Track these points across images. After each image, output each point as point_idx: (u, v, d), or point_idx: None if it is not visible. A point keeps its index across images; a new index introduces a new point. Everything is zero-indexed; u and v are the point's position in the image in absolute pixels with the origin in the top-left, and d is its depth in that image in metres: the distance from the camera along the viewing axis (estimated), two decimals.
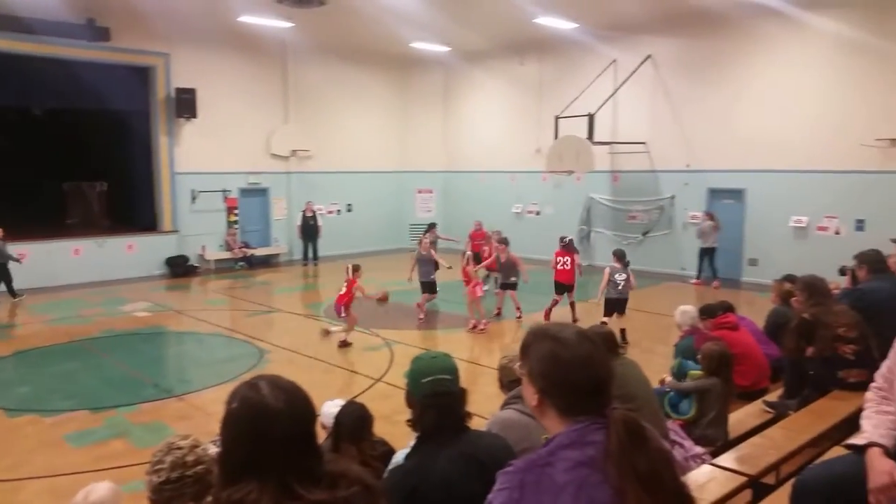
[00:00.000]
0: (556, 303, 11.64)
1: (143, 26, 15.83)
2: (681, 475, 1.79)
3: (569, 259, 11.47)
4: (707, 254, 15.15)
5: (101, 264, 15.90)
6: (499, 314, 12.27)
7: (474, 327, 11.28)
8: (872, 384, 2.55)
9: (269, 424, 1.63)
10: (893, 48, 12.91)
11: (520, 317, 11.87)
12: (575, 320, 10.83)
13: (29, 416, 7.47)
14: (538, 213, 19.43)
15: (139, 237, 17.19)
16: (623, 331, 10.08)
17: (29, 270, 14.79)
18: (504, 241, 12.33)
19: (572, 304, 11.58)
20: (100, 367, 9.54)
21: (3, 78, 15.33)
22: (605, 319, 10.04)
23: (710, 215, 15.17)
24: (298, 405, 1.71)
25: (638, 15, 15.66)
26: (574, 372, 1.78)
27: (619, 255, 10.54)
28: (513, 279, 11.96)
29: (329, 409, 4.21)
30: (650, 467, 1.62)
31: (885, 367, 2.50)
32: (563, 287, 11.52)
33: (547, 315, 11.55)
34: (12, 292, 13.73)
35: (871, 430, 2.40)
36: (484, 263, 12.82)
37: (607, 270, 10.40)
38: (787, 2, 13.73)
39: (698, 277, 15.39)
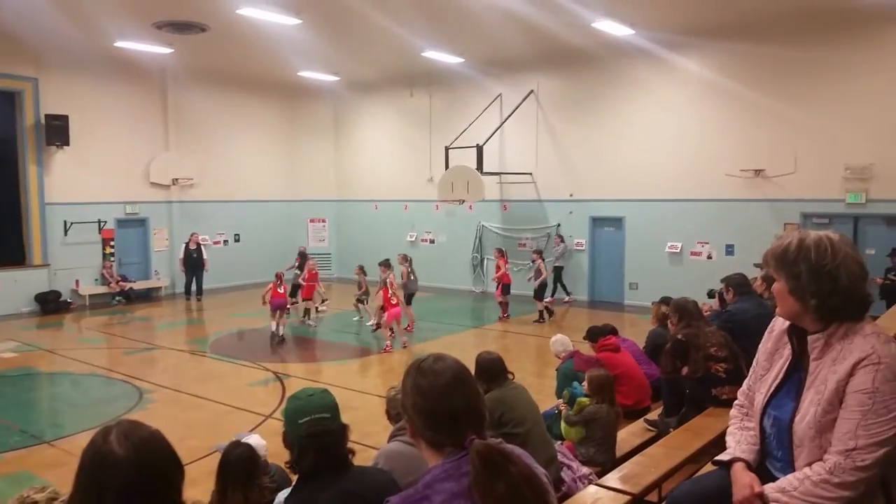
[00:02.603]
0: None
1: (9, 49, 14.88)
2: (552, 497, 1.84)
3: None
4: (558, 273, 16.29)
5: None
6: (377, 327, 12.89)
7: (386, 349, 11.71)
8: (735, 402, 2.71)
9: (109, 473, 1.59)
10: (745, 91, 14.05)
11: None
12: None
13: None
14: (432, 241, 19.60)
15: (4, 272, 15.91)
16: None
17: None
18: (384, 263, 13.07)
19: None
20: None
21: None
22: None
23: (561, 238, 16.32)
24: (148, 454, 1.65)
25: (520, 52, 16.28)
26: (432, 403, 1.84)
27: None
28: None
29: (255, 442, 4.02)
30: (511, 491, 1.67)
31: (745, 385, 2.68)
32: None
33: None
34: None
35: (734, 445, 2.56)
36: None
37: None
38: (656, 44, 14.69)
39: (567, 294, 16.43)
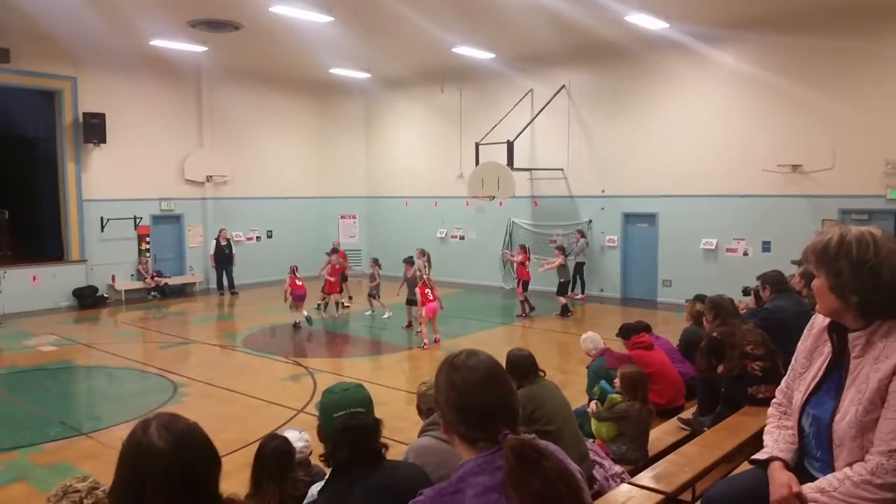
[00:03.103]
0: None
1: (48, 48, 15.21)
2: (586, 494, 1.83)
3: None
4: (579, 268, 16.26)
5: (2, 297, 15.01)
6: (409, 326, 13.11)
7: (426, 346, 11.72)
8: (773, 400, 2.66)
9: (149, 464, 1.61)
10: (784, 84, 13.76)
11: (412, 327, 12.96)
12: None
13: None
14: (462, 238, 19.60)
15: (44, 267, 16.31)
16: None
17: None
18: (408, 261, 13.30)
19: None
20: (1, 406, 8.97)
21: None
22: None
23: (582, 233, 16.21)
24: (187, 446, 1.68)
25: (552, 47, 16.16)
26: (465, 398, 1.85)
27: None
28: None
29: (297, 438, 4.07)
30: (545, 488, 1.67)
31: (784, 382, 2.62)
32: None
33: None
34: None
35: (771, 444, 2.50)
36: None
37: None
38: (691, 37, 14.47)
39: (583, 292, 16.38)
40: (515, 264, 14.91)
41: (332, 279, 14.66)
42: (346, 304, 15.28)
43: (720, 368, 5.24)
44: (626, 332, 6.76)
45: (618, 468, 4.63)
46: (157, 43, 15.29)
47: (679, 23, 13.86)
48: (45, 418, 8.37)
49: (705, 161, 14.97)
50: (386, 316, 14.19)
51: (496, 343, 11.48)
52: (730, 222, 14.78)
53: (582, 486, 1.81)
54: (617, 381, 5.36)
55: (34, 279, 15.84)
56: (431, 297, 11.87)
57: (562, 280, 14.36)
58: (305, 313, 13.53)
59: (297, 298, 13.39)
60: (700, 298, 7.01)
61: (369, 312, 14.69)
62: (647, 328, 6.84)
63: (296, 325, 13.45)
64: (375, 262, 14.86)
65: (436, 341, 11.88)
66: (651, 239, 16.05)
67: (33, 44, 14.95)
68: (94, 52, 15.97)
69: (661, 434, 5.51)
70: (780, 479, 2.33)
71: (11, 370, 10.71)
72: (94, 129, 16.24)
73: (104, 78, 16.62)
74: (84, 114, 16.17)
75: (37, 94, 16.10)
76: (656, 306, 15.38)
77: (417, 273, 12.65)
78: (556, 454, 1.82)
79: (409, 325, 13.08)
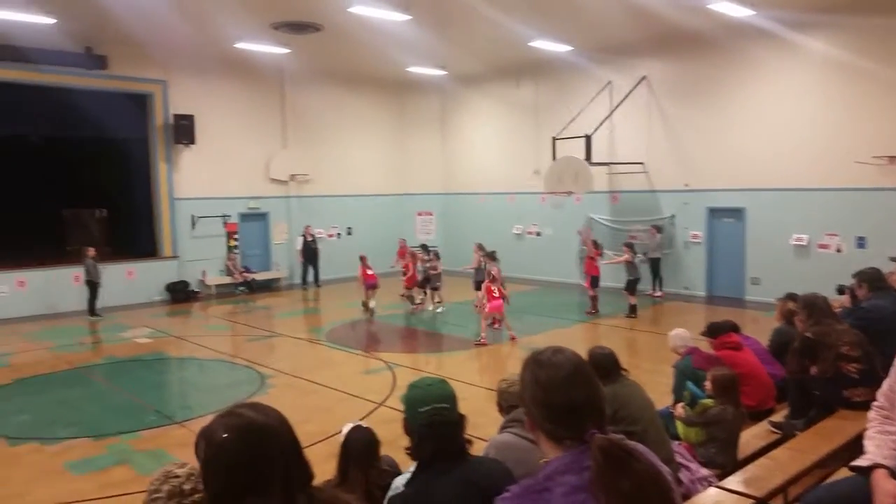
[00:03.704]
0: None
1: (141, 54, 15.98)
2: (677, 495, 1.80)
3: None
4: (655, 264, 15.98)
5: (101, 291, 15.89)
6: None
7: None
8: (874, 403, 2.53)
9: (269, 441, 1.70)
10: (882, 70, 13.01)
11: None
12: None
13: (30, 445, 7.43)
14: (538, 234, 19.46)
15: (139, 263, 17.19)
16: None
17: (29, 298, 14.83)
18: (435, 254, 14.49)
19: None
20: (101, 395, 9.52)
21: (2, 107, 15.41)
22: None
23: (658, 228, 15.94)
24: (283, 418, 1.79)
25: (631, 38, 15.81)
26: (551, 395, 1.83)
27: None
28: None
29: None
30: (635, 489, 1.64)
31: (886, 385, 2.49)
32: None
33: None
34: (92, 311, 14.55)
35: (874, 451, 2.39)
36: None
37: None
38: (778, 24, 13.86)
39: (661, 289, 16.09)
40: (585, 260, 14.69)
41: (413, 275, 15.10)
42: (419, 301, 15.37)
43: (813, 370, 5.03)
44: (713, 331, 6.53)
45: (705, 471, 4.50)
46: (242, 46, 15.80)
47: (766, 9, 13.30)
48: (142, 407, 8.82)
49: (794, 153, 14.33)
50: (440, 310, 14.66)
51: (572, 341, 11.35)
52: (821, 217, 14.11)
53: (672, 489, 1.78)
54: (707, 384, 5.20)
55: (130, 274, 16.71)
56: (497, 295, 11.74)
57: (630, 278, 13.98)
58: (373, 304, 14.33)
59: (369, 287, 14.28)
60: (792, 297, 6.74)
61: (440, 310, 14.78)
62: (734, 327, 6.60)
63: (365, 307, 14.37)
64: (436, 255, 14.96)
65: (512, 339, 11.84)
66: (738, 234, 15.49)
67: (128, 51, 15.75)
68: (183, 56, 16.68)
69: (749, 437, 5.32)
70: (885, 488, 2.22)
71: (110, 360, 11.33)
72: (183, 130, 16.97)
73: (192, 81, 17.34)
74: (174, 115, 16.93)
75: (130, 98, 16.93)
76: (744, 305, 14.84)
77: (486, 268, 12.82)
78: (646, 455, 1.79)
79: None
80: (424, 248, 15.65)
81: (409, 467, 3.08)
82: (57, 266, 16.16)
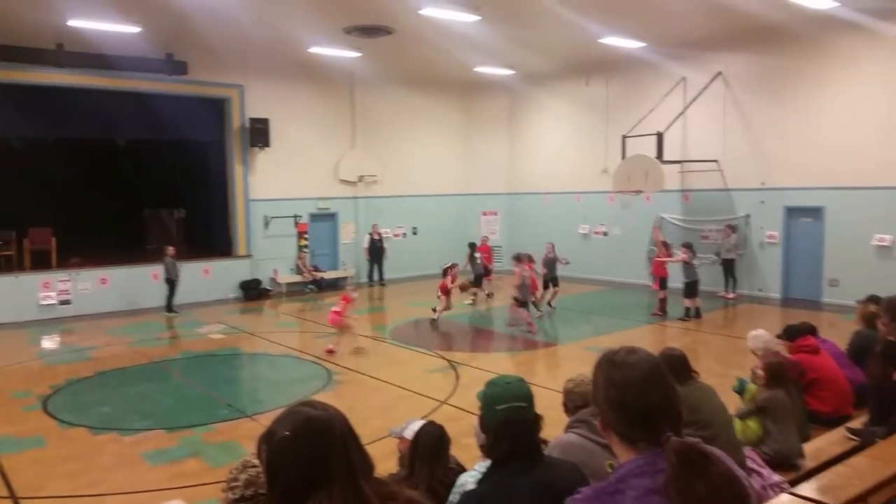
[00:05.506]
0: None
1: (219, 60, 16.52)
2: (753, 501, 1.74)
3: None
4: (729, 265, 15.61)
5: (178, 288, 16.50)
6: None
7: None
8: None
9: (329, 433, 1.73)
10: None
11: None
12: None
13: (110, 435, 7.77)
14: (605, 234, 19.16)
15: (215, 262, 17.78)
16: None
17: (111, 294, 15.55)
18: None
19: None
20: (176, 388, 9.88)
21: (89, 111, 16.20)
22: None
23: (733, 228, 15.59)
24: (340, 412, 1.83)
25: (706, 32, 15.38)
26: (626, 397, 1.79)
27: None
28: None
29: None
30: (711, 494, 1.61)
31: None
32: None
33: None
34: (170, 307, 15.19)
35: None
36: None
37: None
38: (862, 13, 13.22)
39: (734, 290, 15.69)
40: (652, 261, 14.38)
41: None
42: (473, 300, 15.78)
43: None
44: (790, 334, 6.31)
45: (777, 477, 4.36)
46: (315, 50, 16.14)
47: None
48: (215, 400, 9.12)
49: (880, 149, 13.64)
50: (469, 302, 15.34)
51: (638, 343, 11.08)
52: None
53: (749, 494, 1.73)
54: (760, 372, 5.06)
55: (206, 272, 17.29)
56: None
57: (687, 280, 13.41)
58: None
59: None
60: (874, 299, 6.45)
61: (469, 302, 15.51)
62: (812, 330, 6.36)
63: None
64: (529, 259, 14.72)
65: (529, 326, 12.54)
66: (816, 234, 14.87)
67: (206, 56, 16.31)
68: (258, 61, 17.17)
69: (826, 444, 5.11)
70: None
71: (186, 355, 11.76)
72: (258, 133, 17.46)
73: (268, 85, 17.82)
74: (250, 119, 17.44)
75: (208, 102, 17.54)
76: (821, 307, 14.24)
77: (517, 271, 13.09)
78: (723, 459, 1.74)
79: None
80: (472, 245, 16.28)
81: (473, 466, 3.08)
82: (137, 264, 16.84)
